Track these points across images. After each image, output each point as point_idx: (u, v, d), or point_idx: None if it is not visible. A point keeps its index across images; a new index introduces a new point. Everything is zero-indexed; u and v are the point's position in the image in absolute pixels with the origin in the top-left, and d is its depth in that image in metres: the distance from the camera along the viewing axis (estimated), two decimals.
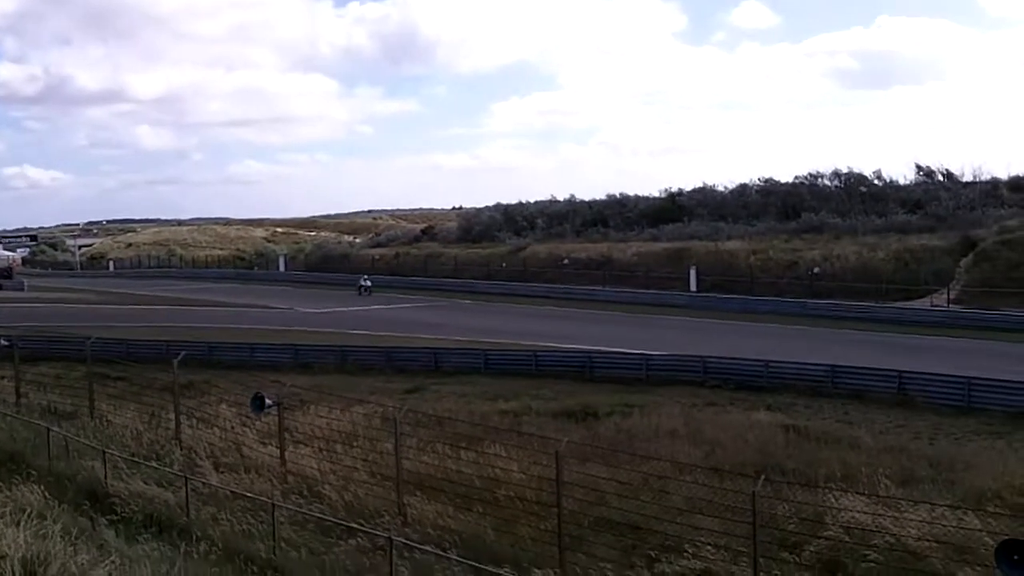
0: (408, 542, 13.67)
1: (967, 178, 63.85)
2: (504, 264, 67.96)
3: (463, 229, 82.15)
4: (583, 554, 13.87)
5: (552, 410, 24.79)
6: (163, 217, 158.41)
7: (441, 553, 13.28)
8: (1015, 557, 9.84)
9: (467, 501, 16.13)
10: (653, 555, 13.65)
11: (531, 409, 24.87)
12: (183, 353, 24.29)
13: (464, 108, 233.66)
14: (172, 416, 22.21)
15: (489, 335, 39.02)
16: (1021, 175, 62.75)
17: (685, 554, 13.41)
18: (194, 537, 14.04)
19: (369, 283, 62.82)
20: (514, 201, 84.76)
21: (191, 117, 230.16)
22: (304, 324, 45.65)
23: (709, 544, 13.38)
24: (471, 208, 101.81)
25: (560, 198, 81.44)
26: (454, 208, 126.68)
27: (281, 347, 35.49)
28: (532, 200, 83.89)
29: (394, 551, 12.80)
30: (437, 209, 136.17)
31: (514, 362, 32.36)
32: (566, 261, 65.05)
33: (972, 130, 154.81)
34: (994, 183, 62.10)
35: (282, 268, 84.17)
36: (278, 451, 19.24)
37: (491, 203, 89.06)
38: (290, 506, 15.79)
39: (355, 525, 14.77)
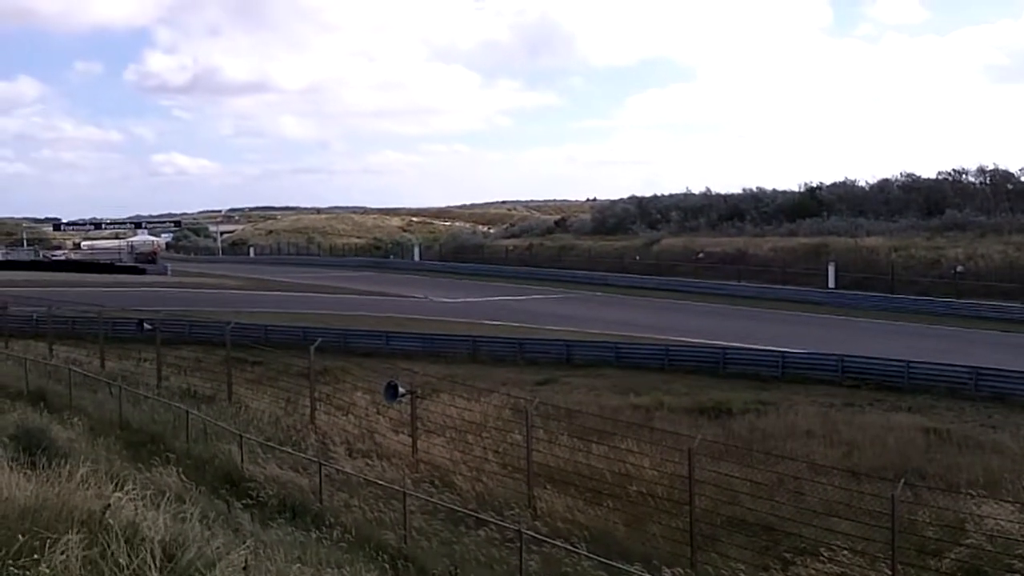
0: (537, 535, 13.76)
1: None
2: (637, 257, 67.51)
3: (597, 221, 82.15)
4: (715, 554, 13.81)
5: (684, 406, 24.56)
6: (303, 205, 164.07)
7: (571, 548, 13.35)
8: None
9: (597, 496, 16.20)
10: (787, 557, 13.50)
11: (663, 404, 24.69)
12: (319, 340, 25.14)
13: (600, 100, 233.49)
14: (307, 402, 22.76)
15: (621, 328, 38.94)
16: None
17: (821, 558, 13.21)
18: (327, 523, 14.26)
19: None
20: (648, 194, 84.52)
21: (333, 107, 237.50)
22: (437, 313, 46.55)
23: (845, 548, 13.15)
24: (605, 200, 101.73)
25: (695, 191, 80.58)
26: (588, 200, 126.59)
27: (414, 336, 36.04)
28: (667, 193, 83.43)
29: (523, 544, 12.92)
30: (571, 200, 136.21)
31: (646, 356, 32.15)
32: (700, 255, 64.23)
33: None
34: None
35: (417, 257, 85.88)
36: (410, 439, 19.61)
37: (625, 195, 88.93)
38: (421, 495, 15.97)
39: (485, 516, 14.91)
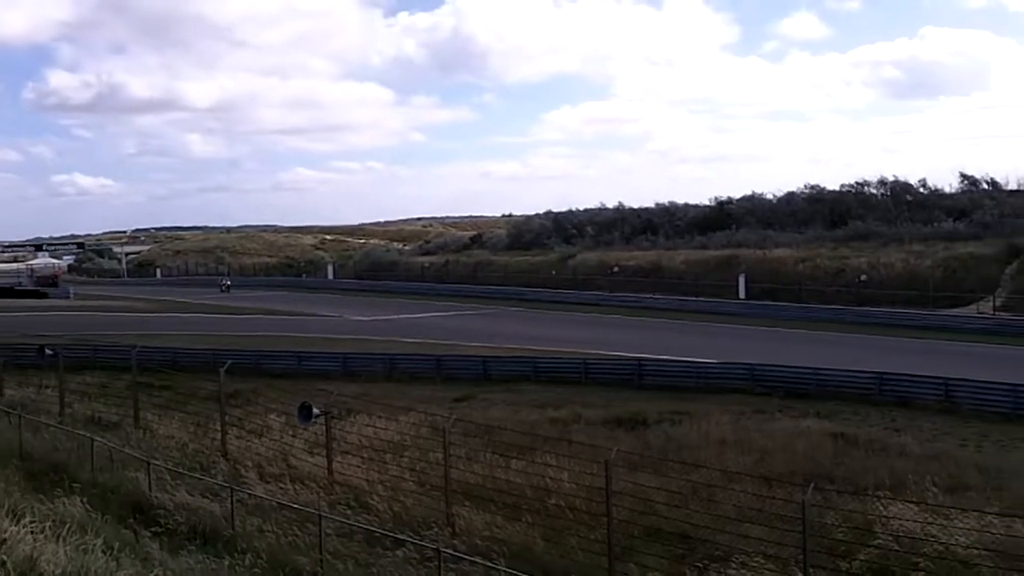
0: (456, 553, 13.70)
1: (1011, 186, 63.64)
2: (554, 272, 68.00)
3: (512, 237, 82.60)
4: (633, 564, 13.90)
5: (602, 418, 24.69)
6: (211, 224, 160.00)
7: (490, 564, 13.32)
8: None
9: (516, 511, 16.14)
10: (702, 565, 13.66)
11: (581, 417, 24.77)
12: (229, 362, 24.56)
13: (515, 116, 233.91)
14: (218, 426, 22.19)
15: (539, 343, 39.14)
16: None
17: (734, 563, 13.41)
18: (239, 549, 13.99)
19: (229, 282, 69.09)
20: (563, 209, 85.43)
21: (244, 125, 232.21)
22: (353, 332, 46.04)
23: (758, 553, 13.37)
24: (520, 216, 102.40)
25: (609, 206, 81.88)
26: (503, 216, 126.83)
27: (329, 355, 35.62)
28: (581, 208, 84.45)
29: (442, 562, 12.85)
30: (487, 216, 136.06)
31: (564, 370, 32.31)
32: (615, 269, 65.03)
33: (1016, 140, 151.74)
34: None
35: (331, 275, 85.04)
36: (325, 461, 19.26)
37: (541, 211, 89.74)
38: (337, 517, 15.74)
39: (403, 536, 14.78)
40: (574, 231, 76.80)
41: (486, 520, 16.00)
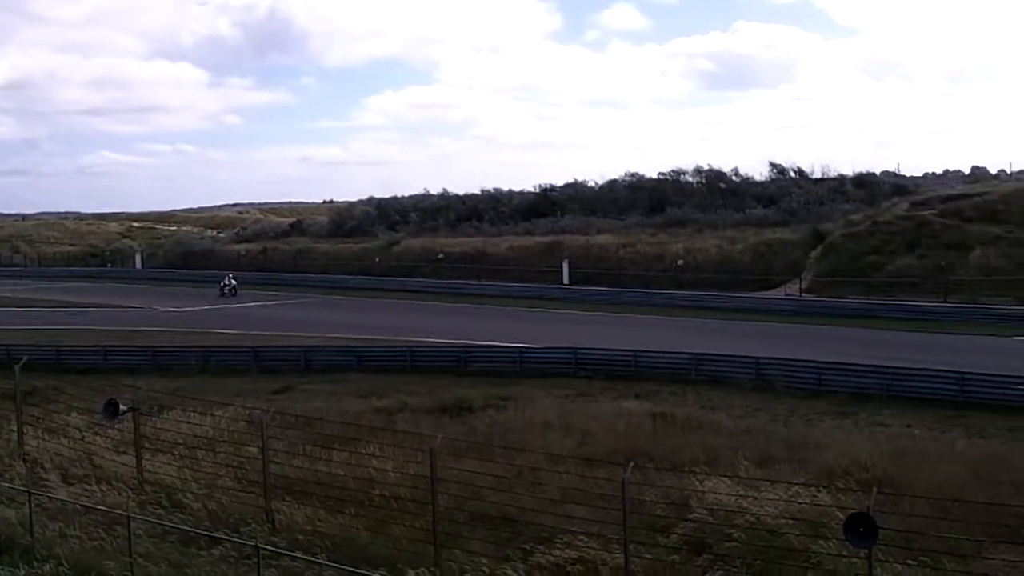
0: (276, 549, 13.29)
1: (816, 175, 68.31)
2: (377, 259, 67.30)
3: (335, 223, 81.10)
4: (458, 550, 13.79)
5: (427, 406, 24.61)
6: (5, 211, 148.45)
7: (311, 559, 12.96)
8: (860, 529, 10.36)
9: (339, 503, 15.77)
10: (528, 547, 13.72)
11: (406, 406, 24.62)
12: (25, 358, 22.94)
13: (336, 100, 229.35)
14: (14, 426, 20.71)
15: (362, 331, 38.73)
16: (864, 172, 68.11)
17: (558, 544, 13.53)
18: (38, 557, 13.23)
19: (235, 282, 59.07)
20: (387, 195, 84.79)
21: (41, 105, 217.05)
22: (165, 324, 44.09)
23: (582, 533, 13.53)
24: (343, 202, 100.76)
25: (434, 192, 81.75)
26: (325, 202, 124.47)
27: (138, 349, 34.18)
28: (406, 194, 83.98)
29: (261, 559, 12.42)
30: (307, 203, 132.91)
31: (388, 358, 32.10)
32: (440, 255, 65.03)
33: (821, 130, 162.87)
34: (840, 180, 66.57)
35: (139, 265, 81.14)
36: (134, 460, 18.31)
37: (363, 197, 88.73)
38: (147, 518, 14.98)
39: (220, 534, 14.24)
40: (398, 217, 76.27)
41: (308, 514, 15.55)
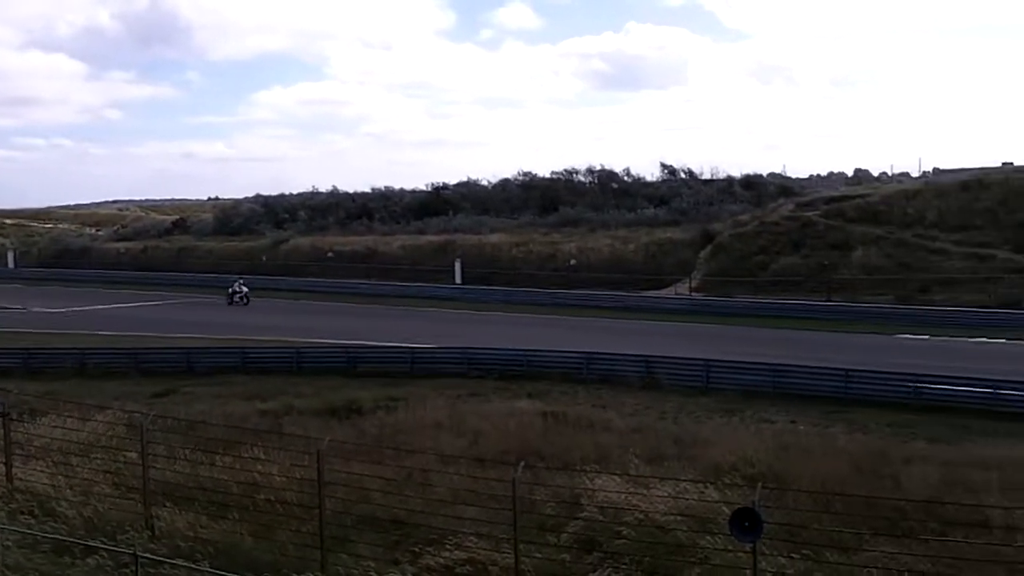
0: (155, 557, 12.78)
1: (706, 176, 70.13)
2: (264, 258, 66.10)
3: (220, 221, 79.32)
4: (346, 554, 13.53)
5: (315, 408, 24.22)
6: None
7: (192, 566, 12.52)
8: (746, 524, 10.54)
9: (223, 509, 15.28)
10: (417, 549, 13.54)
11: (293, 408, 24.18)
12: None
13: (222, 95, 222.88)
14: None
15: (249, 332, 37.87)
16: (752, 174, 70.71)
17: (448, 545, 13.39)
18: None
19: (246, 288, 51.32)
20: (275, 192, 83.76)
21: None
22: (38, 326, 42.29)
23: (472, 533, 13.42)
24: (229, 199, 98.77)
25: (323, 190, 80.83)
26: (210, 199, 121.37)
27: (8, 352, 32.70)
28: (294, 192, 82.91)
29: (139, 567, 11.93)
30: (191, 200, 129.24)
31: (274, 360, 31.51)
32: (330, 254, 64.15)
33: (711, 132, 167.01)
34: (729, 181, 68.51)
35: (11, 264, 77.65)
36: (3, 467, 17.42)
37: (250, 194, 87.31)
38: (16, 527, 14.25)
39: (95, 543, 13.63)
40: (286, 216, 75.04)
41: (189, 520, 15.01)
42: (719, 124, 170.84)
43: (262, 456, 17.02)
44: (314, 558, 13.37)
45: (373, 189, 78.62)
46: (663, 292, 50.29)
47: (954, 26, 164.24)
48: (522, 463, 12.98)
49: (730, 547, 11.67)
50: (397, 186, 78.82)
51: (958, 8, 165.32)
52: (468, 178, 76.64)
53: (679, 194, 65.82)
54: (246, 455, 17.07)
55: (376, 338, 35.17)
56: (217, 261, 66.63)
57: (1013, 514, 12.63)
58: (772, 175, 75.10)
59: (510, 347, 30.82)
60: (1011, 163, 70.87)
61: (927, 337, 37.07)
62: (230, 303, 50.65)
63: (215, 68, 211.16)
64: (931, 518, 13.00)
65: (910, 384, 25.32)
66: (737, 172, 70.13)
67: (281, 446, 17.63)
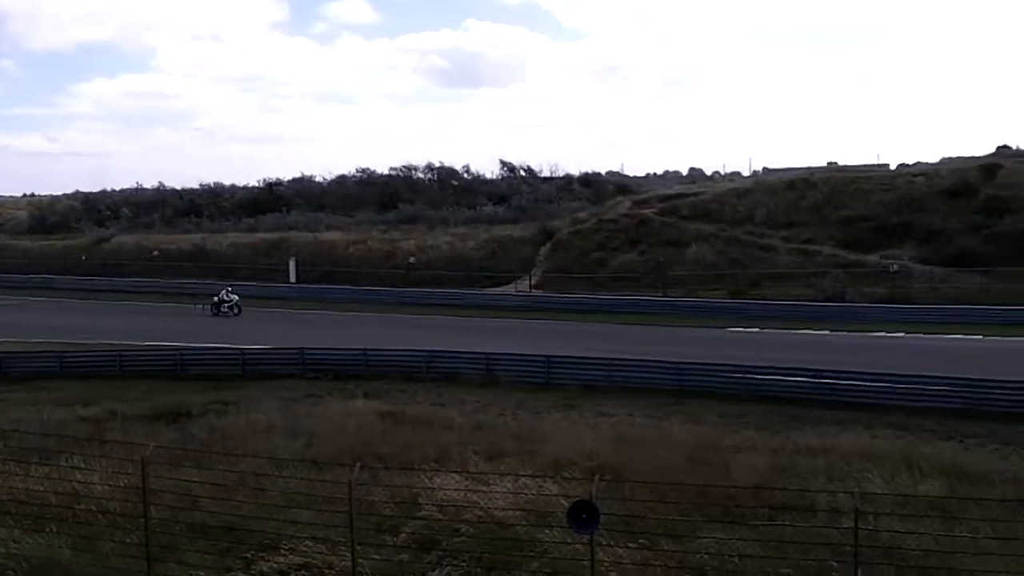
0: None
1: (545, 174, 71.26)
2: (84, 257, 62.81)
3: (36, 219, 75.39)
4: (175, 563, 12.94)
5: (140, 413, 23.24)
6: None
7: None
8: (583, 516, 10.68)
9: (39, 522, 14.36)
10: (250, 556, 13.09)
11: (116, 414, 23.13)
12: None
13: (40, 87, 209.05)
14: None
15: (67, 335, 35.95)
16: (590, 172, 72.64)
17: (283, 550, 13.01)
18: None
19: (235, 297, 45.47)
20: (96, 189, 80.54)
21: None
22: None
23: (308, 537, 13.10)
24: (45, 196, 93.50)
25: (148, 186, 77.83)
26: (25, 196, 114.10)
27: None
28: (117, 188, 79.32)
29: None
30: (4, 196, 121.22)
31: (96, 363, 30.08)
32: (155, 253, 61.58)
33: (551, 130, 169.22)
34: (568, 179, 69.99)
35: None
36: None
37: (69, 191, 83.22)
38: None
39: None
40: (108, 213, 71.82)
41: (1, 535, 14.01)
42: (559, 122, 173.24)
43: (82, 465, 16.13)
44: (140, 569, 12.75)
45: (202, 185, 76.28)
46: (503, 289, 50.75)
47: (779, 31, 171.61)
48: (359, 464, 12.75)
49: (568, 540, 11.80)
50: (228, 182, 76.92)
51: (782, 14, 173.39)
52: (303, 174, 75.45)
53: (519, 192, 66.65)
54: (65, 464, 16.12)
55: (205, 339, 33.95)
56: (33, 261, 62.84)
57: (837, 498, 13.30)
58: (611, 173, 77.24)
59: (347, 347, 30.33)
60: (835, 163, 75.69)
61: (758, 330, 38.87)
62: (215, 314, 44.88)
63: (32, 58, 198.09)
64: (760, 504, 13.58)
65: (739, 375, 26.43)
66: (576, 170, 71.92)
67: (103, 453, 16.81)
